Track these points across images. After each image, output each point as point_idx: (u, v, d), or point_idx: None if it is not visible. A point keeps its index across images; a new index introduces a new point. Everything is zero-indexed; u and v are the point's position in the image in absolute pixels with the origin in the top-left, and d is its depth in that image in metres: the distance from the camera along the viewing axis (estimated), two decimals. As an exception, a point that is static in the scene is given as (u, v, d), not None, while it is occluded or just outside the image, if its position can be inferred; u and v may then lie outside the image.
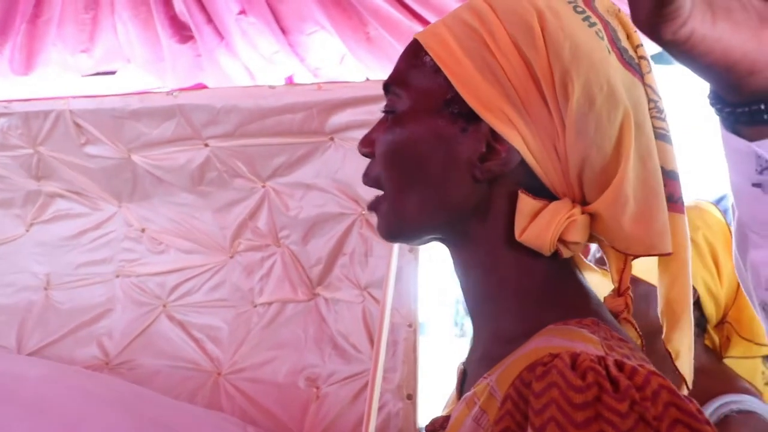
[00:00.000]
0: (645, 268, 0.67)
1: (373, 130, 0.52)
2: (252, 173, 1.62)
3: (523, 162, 0.45)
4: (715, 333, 0.94)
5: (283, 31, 1.82)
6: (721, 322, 0.93)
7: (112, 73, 2.11)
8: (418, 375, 1.54)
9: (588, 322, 0.42)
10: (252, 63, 1.89)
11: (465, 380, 0.51)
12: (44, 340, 1.80)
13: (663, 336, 0.46)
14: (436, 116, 0.47)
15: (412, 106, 0.48)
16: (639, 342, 0.47)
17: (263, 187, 1.64)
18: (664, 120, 0.46)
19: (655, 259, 0.46)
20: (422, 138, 0.47)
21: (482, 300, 0.48)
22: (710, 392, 0.84)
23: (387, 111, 0.50)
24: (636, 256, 0.45)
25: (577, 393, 0.34)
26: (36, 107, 1.67)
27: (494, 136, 0.45)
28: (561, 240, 0.44)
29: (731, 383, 0.88)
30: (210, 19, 1.80)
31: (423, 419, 1.53)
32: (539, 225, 0.44)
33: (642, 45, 0.47)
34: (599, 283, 0.50)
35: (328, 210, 1.60)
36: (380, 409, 1.48)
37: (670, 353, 0.45)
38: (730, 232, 0.92)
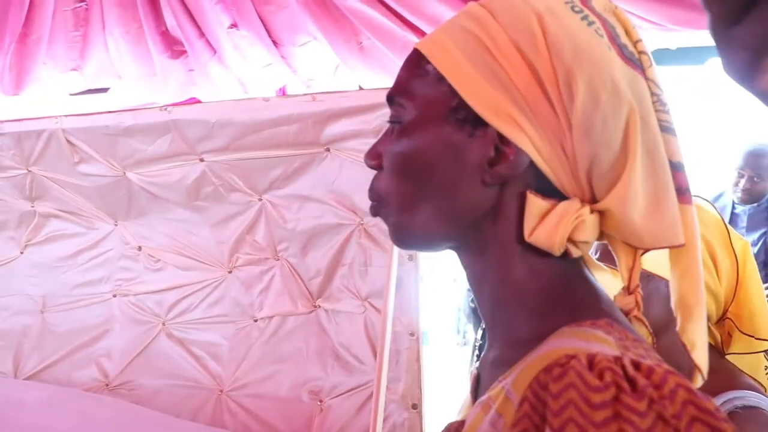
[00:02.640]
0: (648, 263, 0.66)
1: (379, 142, 0.52)
2: (248, 187, 1.61)
3: (532, 164, 0.45)
4: (717, 330, 0.94)
5: (275, 43, 1.82)
6: (722, 319, 0.93)
7: (104, 90, 2.10)
8: (423, 384, 1.52)
9: (602, 323, 0.42)
10: (244, 75, 1.89)
11: (479, 385, 0.51)
12: (41, 364, 1.77)
13: (677, 328, 0.46)
14: (442, 124, 0.47)
15: (417, 115, 0.48)
16: (650, 340, 0.47)
17: (260, 200, 1.63)
18: (667, 112, 0.46)
19: (656, 253, 0.47)
20: (430, 146, 0.47)
21: (497, 304, 0.48)
22: (713, 389, 0.84)
23: (393, 122, 0.50)
24: (648, 250, 0.45)
25: (595, 393, 0.34)
26: (28, 127, 1.65)
27: (502, 139, 0.45)
28: (570, 240, 0.44)
29: (734, 379, 0.87)
30: (201, 34, 1.80)
31: (429, 429, 1.51)
32: (548, 225, 0.44)
33: (641, 40, 0.47)
34: (610, 282, 0.50)
35: (326, 221, 1.59)
36: (385, 419, 1.46)
37: (685, 345, 0.45)
38: (727, 228, 0.92)
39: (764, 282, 2.25)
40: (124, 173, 1.65)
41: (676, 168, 0.45)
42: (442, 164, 0.47)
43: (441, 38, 0.48)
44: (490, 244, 0.47)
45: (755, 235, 2.48)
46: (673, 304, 0.47)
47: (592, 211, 0.45)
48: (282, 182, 1.59)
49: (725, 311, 0.93)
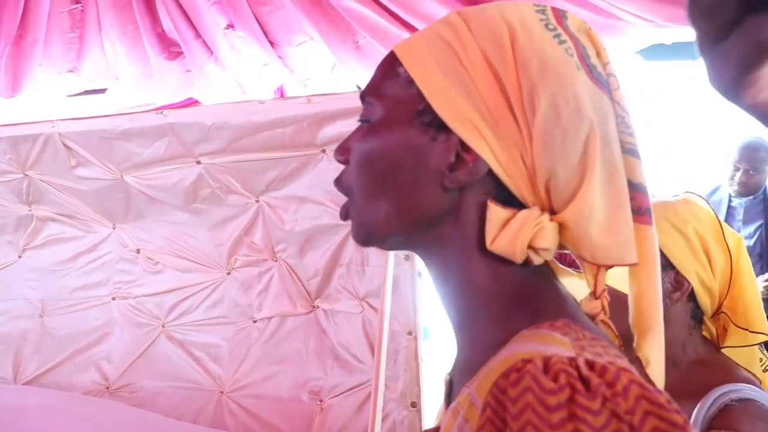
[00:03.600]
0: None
1: (349, 138, 0.53)
2: (245, 189, 1.62)
3: (491, 172, 0.46)
4: (712, 324, 0.95)
5: (272, 43, 1.82)
6: (717, 313, 0.94)
7: (102, 91, 2.10)
8: (421, 382, 1.53)
9: (560, 324, 0.42)
10: (242, 76, 1.89)
11: (452, 390, 0.52)
12: (41, 368, 1.78)
13: (634, 344, 0.47)
14: (407, 126, 0.48)
15: (385, 115, 0.49)
16: (617, 343, 0.48)
17: (257, 202, 1.64)
18: (632, 135, 0.47)
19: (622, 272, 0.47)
20: (394, 147, 0.48)
21: (460, 310, 0.49)
22: (710, 383, 0.85)
23: (362, 120, 0.51)
24: (602, 266, 0.46)
25: (550, 395, 0.35)
26: (24, 131, 1.65)
27: (463, 146, 0.46)
28: (531, 247, 0.45)
29: (730, 373, 0.88)
30: (198, 35, 1.80)
31: (429, 426, 1.52)
32: (509, 233, 0.45)
33: (610, 63, 0.48)
34: (577, 286, 0.51)
35: (323, 222, 1.60)
36: (384, 418, 1.47)
37: (641, 361, 0.46)
38: (720, 223, 0.93)
39: (761, 274, 2.25)
40: (122, 176, 1.66)
41: (636, 189, 0.46)
42: (404, 165, 0.48)
43: (416, 43, 0.49)
44: (450, 248, 0.48)
45: (751, 228, 2.49)
46: (630, 321, 0.48)
47: (551, 220, 0.46)
48: (279, 184, 1.60)
49: (720, 305, 0.94)
